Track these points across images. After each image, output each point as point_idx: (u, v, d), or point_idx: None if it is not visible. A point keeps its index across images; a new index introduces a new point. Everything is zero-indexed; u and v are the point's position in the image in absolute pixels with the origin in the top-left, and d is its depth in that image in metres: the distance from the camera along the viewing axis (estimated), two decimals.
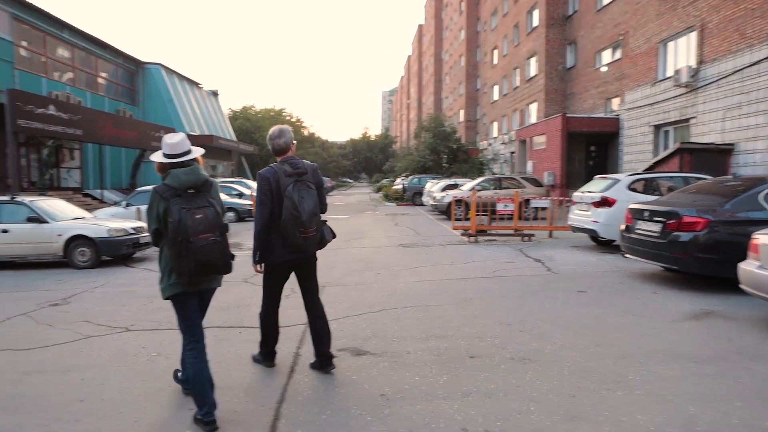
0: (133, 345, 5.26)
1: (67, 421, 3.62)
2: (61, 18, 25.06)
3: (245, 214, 18.89)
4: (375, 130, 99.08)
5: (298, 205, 3.95)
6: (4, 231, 10.32)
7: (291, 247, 4.07)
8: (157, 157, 3.61)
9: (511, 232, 12.78)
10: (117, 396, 4.02)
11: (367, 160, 79.35)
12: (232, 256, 3.54)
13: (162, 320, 6.10)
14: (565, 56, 28.95)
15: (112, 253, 10.42)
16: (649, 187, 10.82)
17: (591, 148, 24.52)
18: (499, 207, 13.03)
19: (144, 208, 13.51)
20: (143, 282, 8.75)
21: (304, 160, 4.32)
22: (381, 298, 6.92)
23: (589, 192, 11.22)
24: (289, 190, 3.98)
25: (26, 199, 10.98)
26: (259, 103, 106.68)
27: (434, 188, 22.85)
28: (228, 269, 3.52)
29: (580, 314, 5.95)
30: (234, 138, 43.80)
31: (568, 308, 6.22)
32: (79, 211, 11.79)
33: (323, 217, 4.36)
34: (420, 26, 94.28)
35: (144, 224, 11.52)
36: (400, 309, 6.33)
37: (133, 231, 10.76)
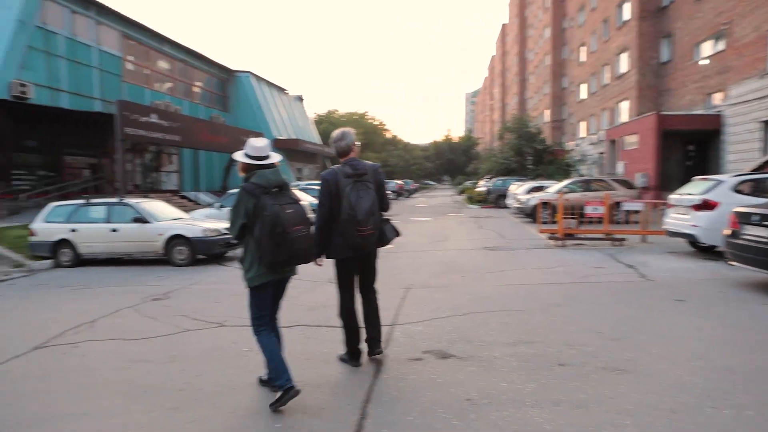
0: (226, 340, 5.53)
1: (168, 408, 3.87)
2: (163, 33, 26.90)
3: None
4: (458, 132, 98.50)
5: (355, 204, 4.14)
6: (114, 230, 11.21)
7: (350, 244, 4.28)
8: (240, 157, 3.95)
9: (601, 236, 12.25)
10: (213, 388, 4.24)
11: (450, 162, 78.89)
12: (313, 247, 4.03)
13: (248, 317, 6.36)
14: (659, 50, 27.36)
15: (207, 251, 11.02)
16: (758, 188, 9.98)
17: (689, 148, 23.01)
18: (588, 210, 12.51)
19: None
20: (235, 280, 9.17)
21: (366, 161, 4.50)
22: (466, 302, 6.86)
23: (688, 194, 10.52)
24: (347, 190, 4.18)
25: (132, 200, 11.88)
26: (342, 107, 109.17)
27: (519, 190, 22.33)
28: (312, 258, 4.04)
29: (678, 324, 5.59)
30: (319, 141, 45.01)
31: (664, 317, 5.87)
32: (177, 212, 12.57)
33: (386, 215, 4.59)
34: (504, 25, 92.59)
35: None
36: (485, 313, 6.24)
37: (225, 231, 11.33)
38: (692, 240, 10.37)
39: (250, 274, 3.84)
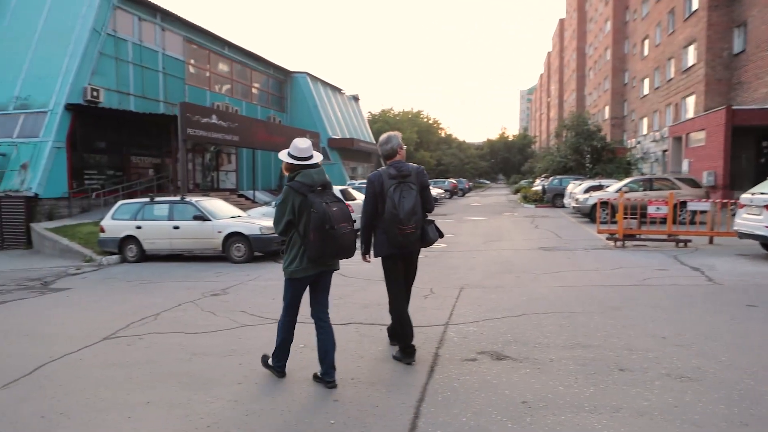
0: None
1: (228, 400, 3.98)
2: (223, 36, 27.73)
3: None
4: (513, 130, 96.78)
5: (397, 204, 4.31)
6: (176, 227, 11.65)
7: (392, 242, 4.44)
8: (284, 156, 4.18)
9: (664, 237, 11.75)
10: (269, 382, 4.33)
11: (505, 161, 77.68)
12: (356, 244, 4.21)
13: (308, 314, 6.46)
14: (731, 41, 25.94)
15: (263, 249, 11.28)
16: None
17: (763, 144, 21.73)
18: (651, 210, 12.02)
19: None
20: None
21: (411, 164, 4.65)
22: (521, 303, 6.73)
23: (762, 193, 9.94)
24: (390, 191, 4.37)
25: (193, 199, 12.31)
26: (397, 106, 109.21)
27: (576, 189, 21.72)
28: (354, 253, 4.19)
29: (750, 331, 5.29)
30: (373, 140, 45.28)
31: (735, 324, 5.57)
32: (235, 210, 12.94)
33: (431, 216, 4.78)
34: (561, 20, 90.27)
35: None
36: (541, 314, 6.10)
37: None
38: (765, 242, 9.79)
39: (292, 267, 4.10)
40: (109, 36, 20.23)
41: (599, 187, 20.17)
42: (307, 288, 4.31)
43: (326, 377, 4.18)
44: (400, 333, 4.67)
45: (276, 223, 4.14)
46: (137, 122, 20.80)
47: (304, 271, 4.09)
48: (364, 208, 4.61)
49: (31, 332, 6.36)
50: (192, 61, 25.78)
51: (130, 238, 12.08)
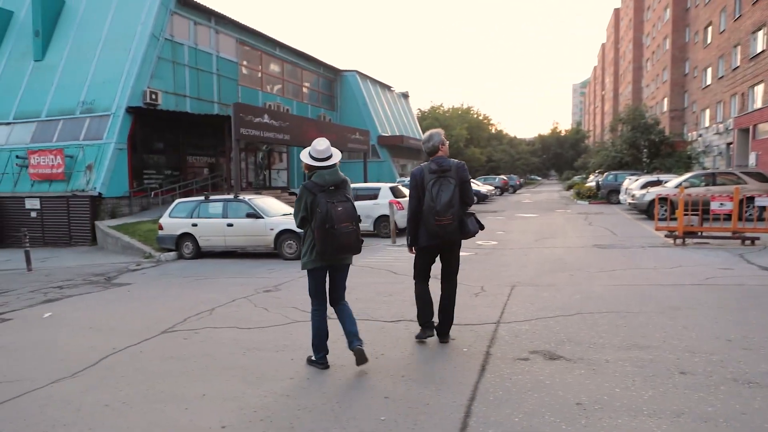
0: (333, 332, 5.65)
1: (281, 394, 4.05)
2: (274, 37, 28.27)
3: None
4: (565, 125, 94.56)
5: (435, 197, 4.62)
6: (230, 225, 11.96)
7: (430, 233, 4.74)
8: (304, 157, 4.46)
9: (729, 234, 11.18)
10: (321, 378, 4.38)
11: (557, 157, 75.83)
12: (362, 241, 4.52)
13: (359, 311, 6.48)
14: None
15: None
16: None
17: None
18: (714, 206, 11.46)
19: None
20: None
21: (452, 159, 4.91)
22: (575, 301, 6.55)
23: None
24: (429, 185, 4.68)
25: (246, 197, 12.60)
26: (447, 102, 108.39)
27: (633, 185, 20.97)
28: (358, 251, 4.50)
29: None
30: (422, 137, 45.10)
31: None
32: (287, 208, 13.15)
33: (471, 209, 5.00)
34: (616, 10, 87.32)
35: None
36: (596, 314, 5.92)
37: None
38: None
39: (304, 259, 4.52)
40: (167, 41, 20.98)
41: (657, 183, 19.41)
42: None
43: (352, 345, 4.50)
44: (420, 312, 5.09)
45: (294, 217, 4.54)
46: (193, 123, 21.50)
47: (314, 263, 4.46)
48: (409, 202, 4.93)
49: (95, 325, 6.67)
50: (245, 63, 26.40)
51: (186, 236, 12.49)
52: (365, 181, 26.10)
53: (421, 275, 5.11)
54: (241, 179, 19.83)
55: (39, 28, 21.38)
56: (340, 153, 4.60)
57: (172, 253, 12.74)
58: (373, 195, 15.13)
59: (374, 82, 39.27)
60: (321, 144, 4.45)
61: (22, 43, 22.10)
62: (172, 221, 12.76)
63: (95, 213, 17.54)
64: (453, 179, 4.71)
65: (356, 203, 14.98)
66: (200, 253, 12.48)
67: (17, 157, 19.60)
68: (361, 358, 4.43)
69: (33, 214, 18.48)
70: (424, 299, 5.07)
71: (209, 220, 12.30)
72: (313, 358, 4.68)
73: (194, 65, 22.69)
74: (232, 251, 12.46)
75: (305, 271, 4.59)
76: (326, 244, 4.26)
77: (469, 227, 4.85)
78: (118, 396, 4.20)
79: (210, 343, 5.51)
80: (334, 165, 4.45)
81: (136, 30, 20.05)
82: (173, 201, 13.92)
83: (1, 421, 3.85)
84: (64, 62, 20.98)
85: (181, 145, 22.69)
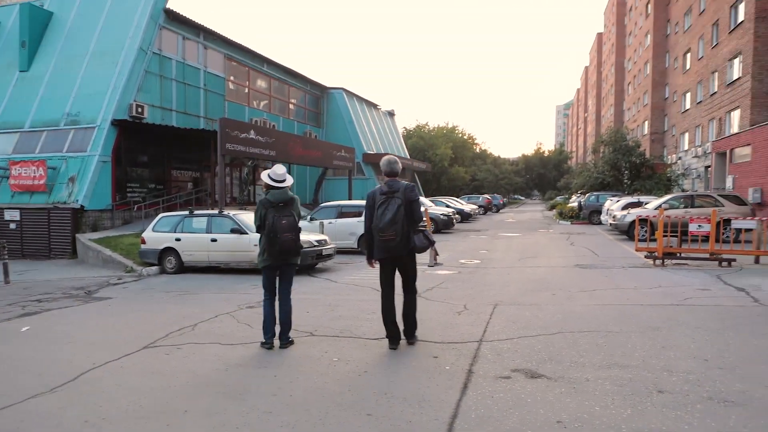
0: (317, 349, 5.69)
1: (263, 411, 4.04)
2: (262, 53, 28.40)
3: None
4: (549, 146, 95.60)
5: (380, 216, 5.29)
6: (214, 240, 11.91)
7: (378, 247, 5.39)
8: (265, 178, 5.74)
9: (706, 255, 11.40)
10: (304, 394, 4.38)
11: (540, 177, 76.70)
12: (301, 247, 5.85)
13: (343, 328, 6.52)
14: None
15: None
16: None
17: None
18: (692, 228, 11.69)
19: (327, 221, 14.53)
20: (325, 291, 9.44)
21: (403, 182, 5.59)
22: (557, 321, 6.63)
23: None
24: (378, 204, 5.38)
25: (231, 212, 12.57)
26: (432, 121, 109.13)
27: (614, 206, 21.30)
28: (298, 255, 5.82)
29: None
30: (407, 156, 45.41)
31: None
32: None
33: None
34: (599, 34, 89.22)
35: (326, 237, 12.45)
36: (577, 333, 6.00)
37: (316, 243, 11.68)
38: None
39: (258, 259, 5.77)
40: (155, 54, 20.98)
41: (638, 204, 19.74)
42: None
43: (282, 338, 5.75)
44: (383, 313, 5.55)
45: (254, 224, 5.81)
46: (178, 137, 21.44)
47: (264, 262, 5.69)
48: (364, 220, 5.67)
49: (74, 339, 6.59)
50: (232, 78, 26.47)
51: (169, 250, 12.40)
52: (350, 198, 26.16)
53: (384, 284, 5.61)
54: (225, 194, 19.77)
55: (26, 38, 21.24)
56: (292, 179, 5.89)
57: (155, 268, 12.63)
58: (357, 212, 15.18)
59: (360, 99, 39.55)
60: (279, 169, 5.78)
61: (8, 53, 21.93)
62: (156, 235, 12.67)
63: (76, 226, 17.33)
64: (400, 199, 5.31)
65: (341, 220, 15.09)
66: (183, 268, 12.39)
67: None
68: (285, 347, 5.67)
69: (12, 226, 18.19)
70: (386, 305, 5.56)
71: (193, 235, 12.23)
72: (263, 340, 5.74)
73: (182, 79, 22.69)
74: (215, 266, 12.39)
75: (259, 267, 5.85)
76: (272, 248, 5.54)
77: (416, 242, 5.44)
78: (99, 412, 4.16)
79: (192, 359, 5.48)
80: (285, 188, 5.74)
81: (125, 43, 20.04)
82: (157, 215, 13.82)
83: None
84: (50, 73, 20.84)
85: (166, 159, 22.60)
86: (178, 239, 12.32)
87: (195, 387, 4.65)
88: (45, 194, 18.37)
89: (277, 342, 5.77)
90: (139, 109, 19.42)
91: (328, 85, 36.06)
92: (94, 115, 19.13)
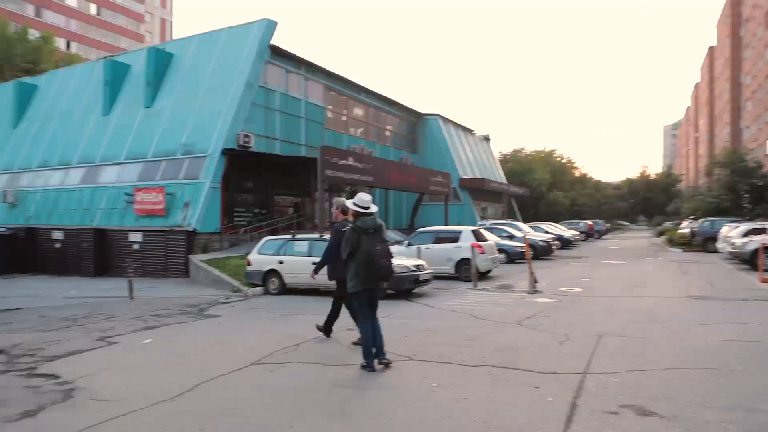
0: (415, 373, 5.71)
1: None
2: (359, 83, 29.42)
3: (516, 256, 18.71)
4: (656, 168, 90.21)
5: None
6: (314, 263, 12.31)
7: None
8: (351, 205, 5.98)
9: None
10: (404, 419, 4.41)
11: (646, 201, 72.21)
12: (393, 272, 6.15)
13: (441, 354, 6.50)
14: None
15: (396, 287, 11.52)
16: None
17: None
18: None
19: (424, 247, 14.58)
20: (423, 316, 9.46)
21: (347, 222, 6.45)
22: (669, 355, 6.20)
23: None
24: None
25: (326, 235, 12.96)
26: (529, 146, 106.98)
27: (733, 233, 19.62)
28: (389, 279, 6.25)
29: None
30: (504, 180, 44.72)
31: None
32: None
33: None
34: (711, 48, 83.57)
35: (423, 262, 12.50)
36: (693, 369, 5.58)
37: (414, 268, 11.76)
38: None
39: (350, 284, 5.89)
40: (261, 87, 22.39)
41: (761, 230, 18.07)
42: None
43: (382, 357, 5.88)
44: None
45: (343, 251, 5.90)
46: (281, 164, 22.59)
47: (356, 287, 5.85)
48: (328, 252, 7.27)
49: (189, 353, 7.07)
50: (331, 107, 27.60)
51: (273, 272, 13.00)
52: (446, 224, 26.11)
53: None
54: (324, 219, 20.48)
55: (151, 78, 23.49)
56: (377, 207, 6.12)
57: (259, 288, 13.28)
58: (454, 238, 15.13)
59: (456, 125, 39.65)
60: (365, 197, 5.99)
61: (136, 92, 24.34)
62: (260, 257, 13.34)
63: (190, 247, 18.65)
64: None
65: (437, 246, 15.09)
66: (285, 290, 12.92)
67: (125, 194, 21.35)
68: (387, 367, 5.82)
69: (135, 247, 19.91)
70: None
71: (295, 258, 12.75)
72: (363, 363, 5.81)
73: (284, 110, 23.99)
74: (316, 288, 12.79)
75: (350, 293, 6.05)
76: (368, 273, 5.75)
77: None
78: (213, 422, 4.43)
79: (297, 377, 5.69)
80: (373, 213, 5.92)
81: (234, 79, 21.57)
82: (261, 238, 14.56)
83: None
84: (169, 109, 22.85)
85: (269, 186, 23.84)
86: (281, 261, 12.90)
87: (299, 404, 4.83)
88: (163, 218, 19.99)
89: (379, 366, 5.85)
90: (246, 139, 20.72)
91: (423, 111, 36.54)
92: (206, 145, 20.65)
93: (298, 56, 24.64)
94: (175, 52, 24.24)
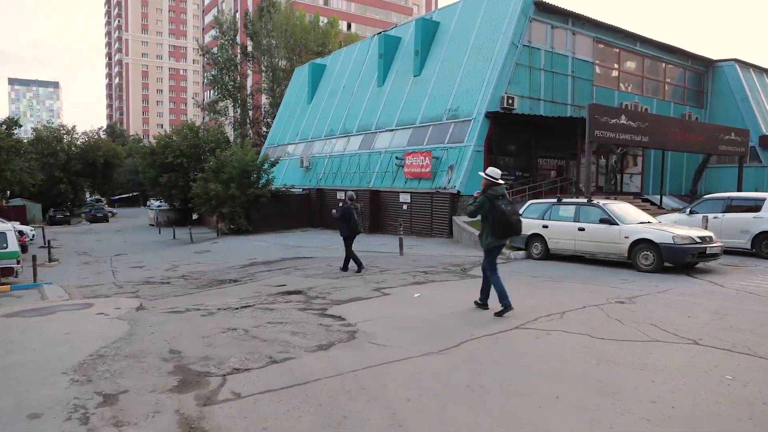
0: (703, 361, 4.98)
1: (640, 416, 3.73)
2: (633, 31, 26.38)
3: None
4: None
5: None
6: (581, 229, 11.68)
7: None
8: (484, 176, 7.07)
9: None
10: (688, 410, 3.87)
11: None
12: (521, 228, 7.25)
13: (735, 342, 5.54)
14: None
15: (675, 260, 10.24)
16: None
17: None
18: None
19: (711, 216, 12.66)
20: (708, 295, 8.21)
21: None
22: None
23: None
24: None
25: (600, 201, 12.10)
26: None
27: None
28: (519, 233, 7.31)
29: None
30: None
31: None
32: (644, 216, 12.12)
33: None
34: None
35: (711, 233, 10.84)
36: None
37: (698, 240, 10.26)
38: None
39: (486, 242, 7.12)
40: (524, 47, 21.75)
41: None
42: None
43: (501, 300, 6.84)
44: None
45: (472, 215, 7.11)
46: (544, 126, 21.81)
47: (490, 244, 7.05)
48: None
49: (453, 310, 7.36)
50: (600, 62, 25.42)
51: (536, 236, 12.73)
52: (739, 190, 22.18)
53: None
54: (590, 183, 19.18)
55: (419, 48, 24.83)
56: (502, 182, 7.14)
57: (521, 252, 13.16)
58: (753, 206, 12.71)
59: (759, 70, 32.89)
60: (496, 170, 7.10)
61: (405, 62, 26.06)
62: (524, 221, 13.07)
63: (453, 209, 19.46)
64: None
65: (729, 215, 13.16)
66: (548, 255, 12.55)
67: (396, 158, 23.25)
68: (507, 309, 6.83)
69: (404, 207, 21.65)
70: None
71: (560, 223, 12.25)
72: (501, 308, 6.81)
73: (549, 68, 22.93)
74: (580, 256, 12.16)
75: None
76: (506, 230, 6.95)
77: None
78: (477, 380, 4.53)
79: (562, 347, 5.47)
80: (501, 183, 7.05)
81: (497, 40, 21.37)
82: (523, 201, 14.35)
83: (382, 378, 4.57)
84: (436, 75, 23.88)
85: (531, 148, 23.28)
86: (545, 226, 12.54)
87: (564, 375, 4.63)
88: (429, 180, 21.20)
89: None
90: (510, 101, 20.48)
91: (714, 57, 31.18)
92: (470, 109, 21.06)
93: (564, 9, 23.15)
94: (440, 20, 25.07)
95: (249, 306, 7.88)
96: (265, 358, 5.19)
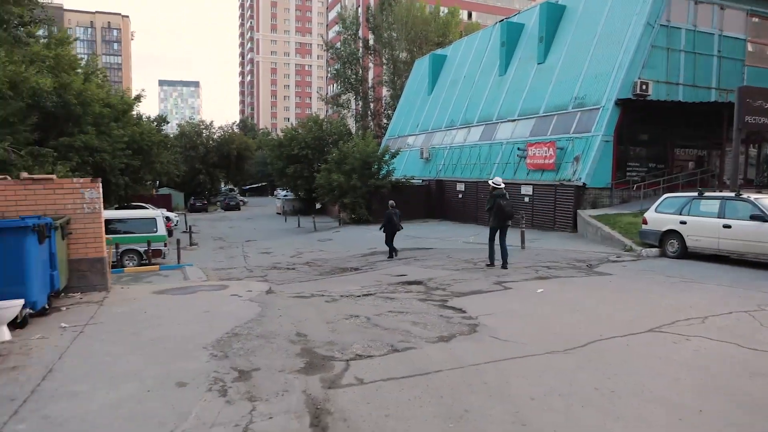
0: None
1: None
2: None
3: None
4: None
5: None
6: (726, 226, 10.58)
7: None
8: (491, 183, 10.97)
9: None
10: None
11: None
12: (513, 214, 10.97)
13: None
14: None
15: None
16: None
17: None
18: None
19: None
20: None
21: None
22: None
23: None
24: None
25: (751, 196, 10.87)
26: None
27: None
28: (511, 218, 10.86)
29: None
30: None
31: None
32: None
33: None
34: None
35: None
36: None
37: None
38: None
39: (491, 224, 10.75)
40: (662, 27, 20.02)
41: None
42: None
43: (504, 263, 10.43)
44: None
45: (488, 210, 10.87)
46: (682, 113, 19.97)
47: (491, 224, 10.69)
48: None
49: (579, 308, 7.00)
50: (753, 38, 22.73)
51: (672, 233, 11.73)
52: None
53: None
54: (738, 175, 17.29)
55: (543, 34, 23.81)
56: (504, 188, 10.92)
57: (655, 250, 12.21)
58: None
59: None
60: (498, 179, 10.89)
61: (528, 49, 25.15)
62: (658, 216, 12.19)
63: (578, 202, 18.51)
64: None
65: None
66: (686, 253, 11.51)
67: (518, 149, 22.56)
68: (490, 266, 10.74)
69: (526, 199, 20.96)
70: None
71: (701, 219, 11.18)
72: (488, 262, 10.80)
73: (691, 49, 20.91)
74: (724, 256, 11.03)
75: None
76: (500, 216, 10.53)
77: None
78: (606, 383, 4.27)
79: (704, 355, 5.00)
80: (502, 188, 10.77)
81: (631, 21, 19.88)
82: (656, 195, 13.30)
83: (505, 374, 4.45)
84: (561, 62, 22.77)
85: (667, 137, 21.46)
86: (683, 222, 11.51)
87: (708, 387, 4.23)
88: (553, 172, 20.34)
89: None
90: (643, 87, 19.00)
91: None
92: (598, 97, 19.84)
93: None
94: (567, 3, 23.83)
95: (370, 294, 8.08)
96: (387, 346, 5.28)
